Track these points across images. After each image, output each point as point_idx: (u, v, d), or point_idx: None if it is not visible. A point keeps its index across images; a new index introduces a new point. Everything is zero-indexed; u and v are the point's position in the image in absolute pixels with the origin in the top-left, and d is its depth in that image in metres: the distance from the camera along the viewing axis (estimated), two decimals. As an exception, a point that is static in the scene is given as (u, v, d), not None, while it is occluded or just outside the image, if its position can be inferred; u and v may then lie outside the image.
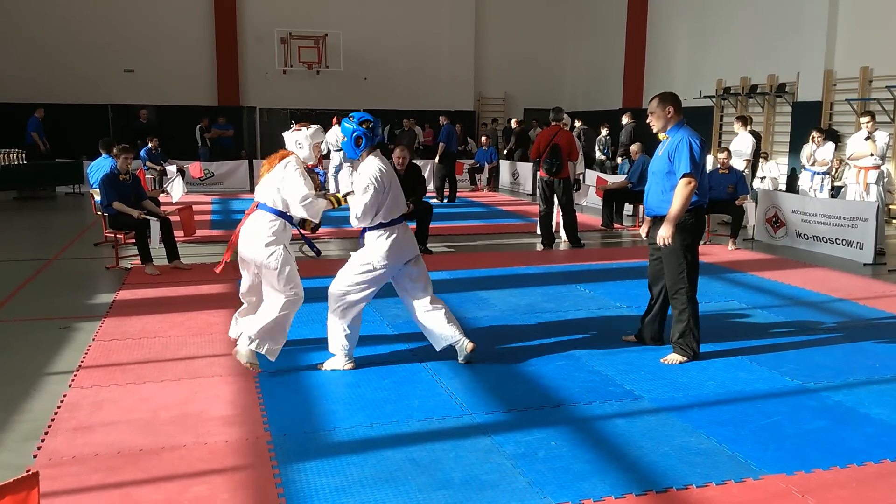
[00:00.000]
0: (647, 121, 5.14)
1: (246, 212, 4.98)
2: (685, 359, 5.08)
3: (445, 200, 15.01)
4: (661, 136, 5.12)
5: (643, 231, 5.48)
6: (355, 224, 4.84)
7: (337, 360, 4.95)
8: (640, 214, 12.05)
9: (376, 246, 4.84)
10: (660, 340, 5.42)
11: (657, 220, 5.08)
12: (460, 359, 5.02)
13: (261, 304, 4.98)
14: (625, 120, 15.21)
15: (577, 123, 16.10)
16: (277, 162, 4.91)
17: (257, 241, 4.80)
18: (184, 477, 3.46)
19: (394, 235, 4.86)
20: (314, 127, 5.01)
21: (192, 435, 3.91)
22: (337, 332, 4.92)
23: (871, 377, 4.86)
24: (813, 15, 14.34)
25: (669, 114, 5.00)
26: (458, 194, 15.65)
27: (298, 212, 4.79)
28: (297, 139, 4.93)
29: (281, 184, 4.81)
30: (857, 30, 13.75)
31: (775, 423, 4.12)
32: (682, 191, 4.85)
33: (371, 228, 4.87)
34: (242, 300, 5.30)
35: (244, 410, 4.25)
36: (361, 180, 4.76)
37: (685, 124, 5.04)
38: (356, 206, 4.75)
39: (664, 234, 4.91)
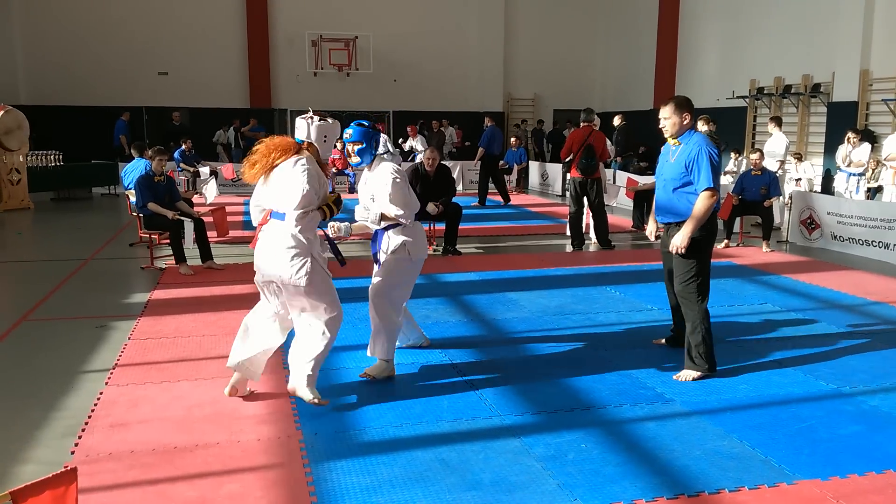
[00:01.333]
0: (660, 126, 4.90)
1: (258, 224, 4.26)
2: (700, 374, 4.82)
3: (503, 202, 14.86)
4: (671, 141, 4.88)
5: (650, 231, 5.39)
6: (407, 221, 4.72)
7: (386, 366, 4.83)
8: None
9: (412, 239, 4.81)
10: None
11: (670, 227, 4.95)
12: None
13: (273, 334, 4.38)
14: (616, 122, 14.85)
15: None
16: (285, 157, 4.14)
17: (280, 255, 4.08)
18: (217, 474, 3.51)
19: (420, 229, 4.99)
20: (334, 121, 4.41)
21: (226, 433, 3.96)
22: (389, 338, 4.80)
23: (908, 382, 4.78)
24: (849, 13, 14.10)
25: (686, 120, 4.81)
26: (487, 195, 15.59)
27: (289, 220, 4.07)
28: (326, 133, 4.30)
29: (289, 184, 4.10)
30: (894, 29, 13.49)
31: (810, 427, 4.06)
32: (703, 203, 4.69)
33: (395, 225, 4.78)
34: (250, 326, 4.41)
35: (276, 409, 4.29)
36: (389, 180, 4.61)
37: (697, 130, 4.92)
38: (400, 206, 4.62)
39: (679, 242, 4.76)
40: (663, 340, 5.53)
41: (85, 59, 19.32)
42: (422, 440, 3.89)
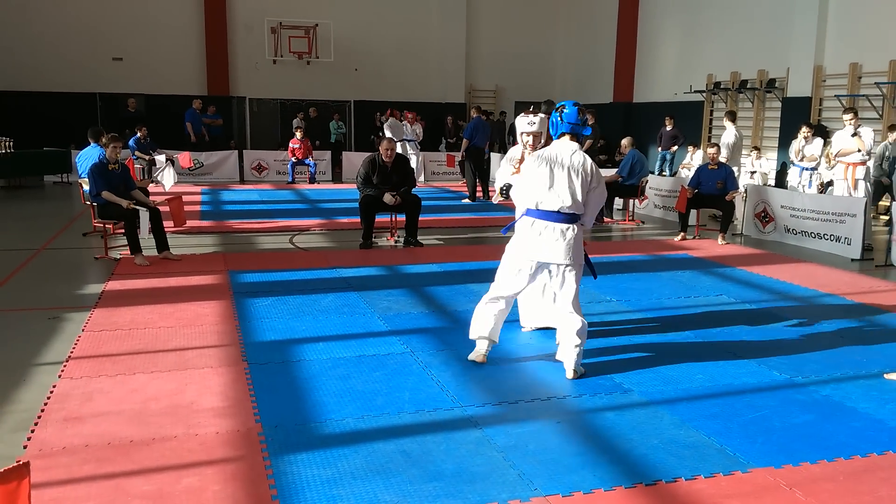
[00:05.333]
0: None
1: None
2: None
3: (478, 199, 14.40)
4: None
5: None
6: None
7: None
8: (630, 208, 12.09)
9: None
10: None
11: None
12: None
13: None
14: (668, 124, 14.72)
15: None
16: None
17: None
18: (174, 468, 3.45)
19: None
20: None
21: (183, 426, 3.90)
22: None
23: (858, 372, 4.91)
24: (803, 10, 14.39)
25: None
26: (447, 186, 15.56)
27: None
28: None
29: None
30: (846, 26, 13.81)
31: (763, 416, 4.15)
32: None
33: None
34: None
35: (235, 402, 4.24)
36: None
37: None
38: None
39: None
40: None
41: (37, 43, 18.78)
42: (383, 432, 3.88)
